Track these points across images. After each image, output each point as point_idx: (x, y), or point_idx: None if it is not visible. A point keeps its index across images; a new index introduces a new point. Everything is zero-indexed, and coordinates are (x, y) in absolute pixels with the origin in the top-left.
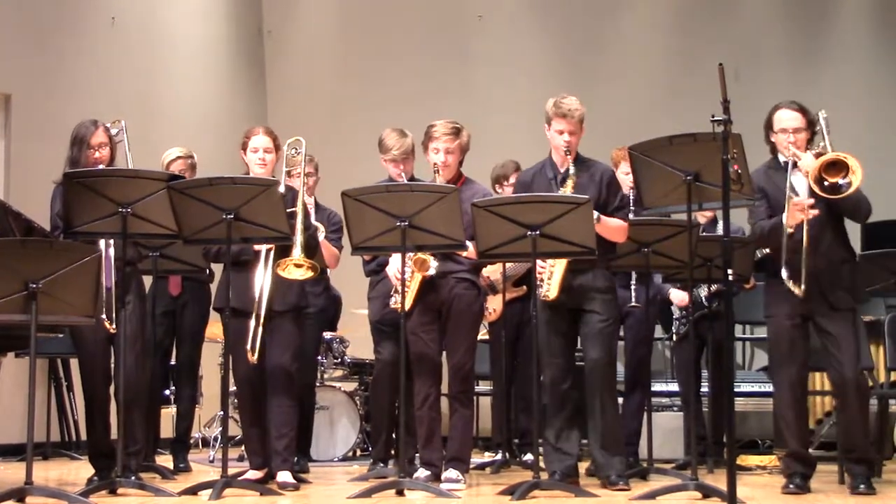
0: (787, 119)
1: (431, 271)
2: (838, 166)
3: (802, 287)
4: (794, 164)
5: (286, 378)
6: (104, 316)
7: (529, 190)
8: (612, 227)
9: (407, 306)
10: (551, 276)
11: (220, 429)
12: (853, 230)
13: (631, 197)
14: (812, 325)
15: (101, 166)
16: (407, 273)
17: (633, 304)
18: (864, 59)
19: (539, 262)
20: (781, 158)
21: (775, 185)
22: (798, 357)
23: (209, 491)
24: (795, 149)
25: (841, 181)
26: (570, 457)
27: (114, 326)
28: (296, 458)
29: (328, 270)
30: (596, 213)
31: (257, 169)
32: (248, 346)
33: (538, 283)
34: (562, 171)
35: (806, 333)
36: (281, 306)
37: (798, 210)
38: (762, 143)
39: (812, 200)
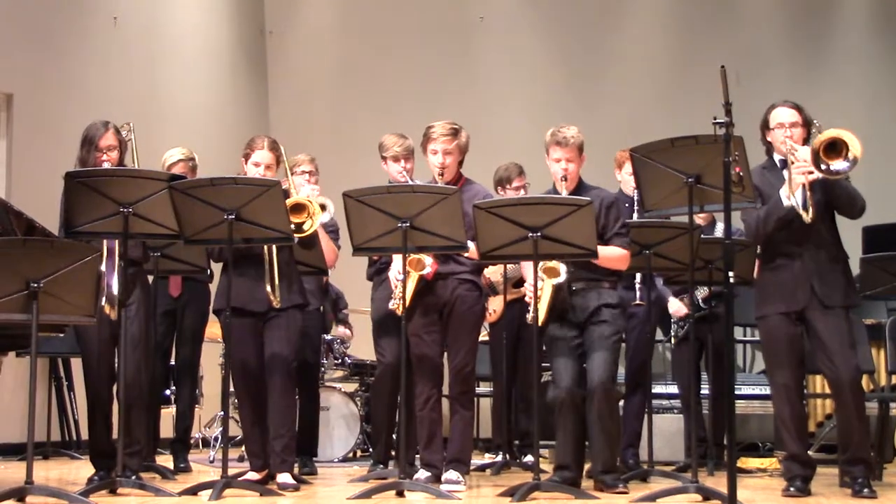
0: (784, 115)
1: (427, 269)
2: (837, 148)
3: (810, 213)
4: (786, 164)
5: (285, 376)
6: (104, 302)
7: None
8: (608, 257)
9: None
10: (539, 299)
11: (221, 429)
12: (854, 234)
13: (635, 198)
14: (804, 324)
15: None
16: (403, 274)
17: (637, 301)
18: (866, 62)
19: (529, 287)
20: (776, 157)
21: (770, 185)
22: (793, 357)
23: (209, 491)
24: (792, 143)
25: (839, 166)
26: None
27: (115, 311)
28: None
29: (329, 271)
30: None
31: None
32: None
33: (527, 307)
34: None
35: (799, 331)
36: (282, 303)
37: (799, 173)
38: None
39: (814, 173)
